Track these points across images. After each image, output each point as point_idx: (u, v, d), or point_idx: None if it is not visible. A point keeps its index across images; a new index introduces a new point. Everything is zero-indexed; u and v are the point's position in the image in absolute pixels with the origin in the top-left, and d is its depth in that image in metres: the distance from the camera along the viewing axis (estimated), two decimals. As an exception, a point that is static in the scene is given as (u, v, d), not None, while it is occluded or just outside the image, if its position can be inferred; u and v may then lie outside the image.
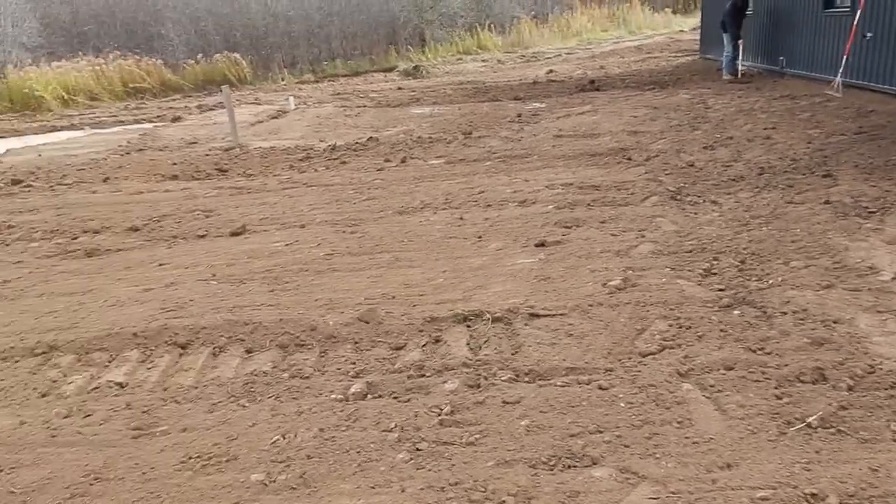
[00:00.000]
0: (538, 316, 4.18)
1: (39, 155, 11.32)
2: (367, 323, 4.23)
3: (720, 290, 4.39)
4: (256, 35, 22.82)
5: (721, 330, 3.82)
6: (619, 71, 18.14)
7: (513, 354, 3.77)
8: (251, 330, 4.24)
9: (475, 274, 5.02)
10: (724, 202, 6.28)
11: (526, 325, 4.08)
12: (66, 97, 18.16)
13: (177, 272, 5.54)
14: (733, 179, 6.97)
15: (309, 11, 23.11)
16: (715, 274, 4.66)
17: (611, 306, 4.22)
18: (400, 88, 17.70)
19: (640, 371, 3.44)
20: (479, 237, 5.82)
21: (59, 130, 14.43)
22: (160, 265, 5.78)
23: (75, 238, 6.72)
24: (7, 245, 6.66)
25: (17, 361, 4.17)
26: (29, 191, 8.79)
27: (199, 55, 21.14)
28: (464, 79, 19.25)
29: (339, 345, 4.07)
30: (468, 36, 27.08)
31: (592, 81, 15.18)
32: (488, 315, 4.19)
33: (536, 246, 5.49)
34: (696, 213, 6.04)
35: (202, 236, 6.44)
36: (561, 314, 4.17)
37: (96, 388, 3.79)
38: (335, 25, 23.87)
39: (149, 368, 3.97)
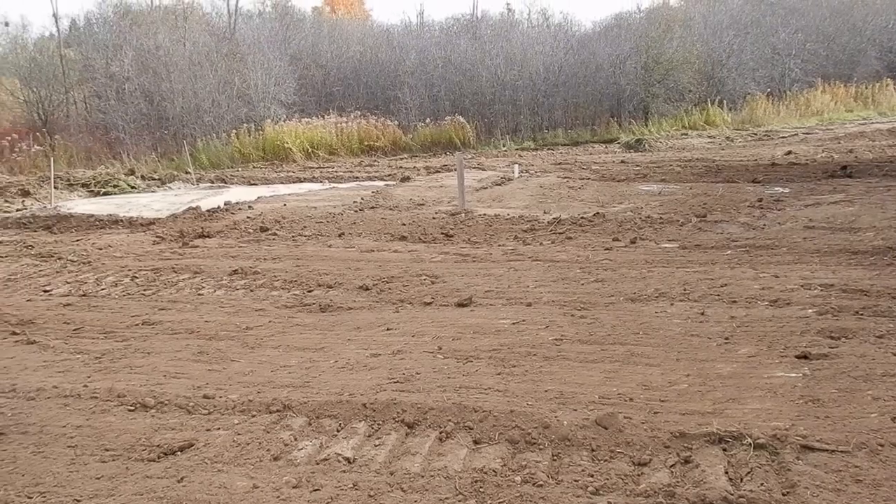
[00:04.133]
0: (812, 449, 3.53)
1: (285, 205, 12.27)
2: (606, 428, 3.82)
3: None
4: (483, 101, 23.65)
5: None
6: (871, 156, 16.35)
7: (784, 495, 3.17)
8: (480, 418, 3.99)
9: (725, 383, 4.43)
10: None
11: (798, 458, 3.46)
12: (309, 150, 19.88)
13: (403, 339, 5.50)
14: None
15: (536, 81, 23.57)
16: None
17: (908, 451, 3.47)
18: (623, 162, 17.26)
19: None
20: (726, 339, 5.21)
21: (302, 182, 15.68)
22: (387, 329, 5.79)
23: (310, 291, 7.01)
24: (251, 291, 7.10)
25: (253, 416, 4.26)
26: (274, 239, 9.45)
27: (428, 118, 22.28)
28: (690, 155, 18.38)
29: (574, 450, 3.70)
30: (695, 111, 26.10)
31: (844, 167, 13.73)
32: (749, 439, 3.61)
33: (797, 357, 4.78)
34: None
35: (428, 303, 6.41)
36: (843, 451, 3.49)
37: (325, 459, 3.72)
38: (560, 95, 24.11)
39: (376, 445, 3.84)
